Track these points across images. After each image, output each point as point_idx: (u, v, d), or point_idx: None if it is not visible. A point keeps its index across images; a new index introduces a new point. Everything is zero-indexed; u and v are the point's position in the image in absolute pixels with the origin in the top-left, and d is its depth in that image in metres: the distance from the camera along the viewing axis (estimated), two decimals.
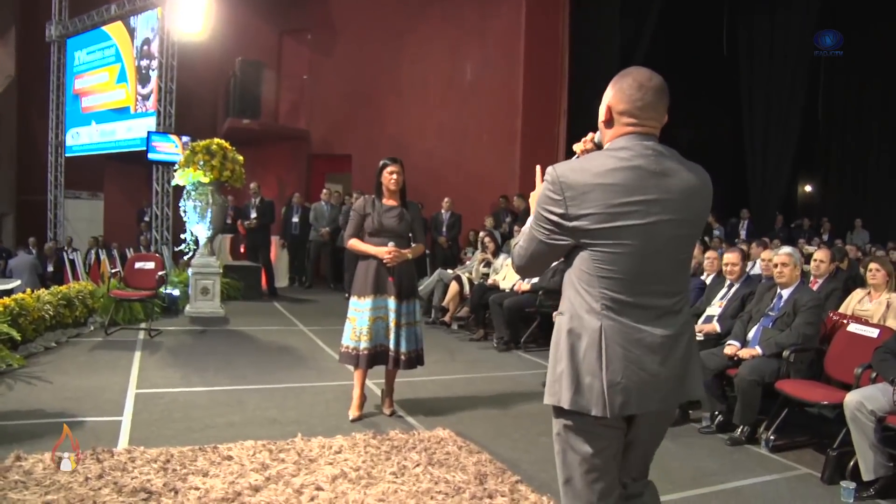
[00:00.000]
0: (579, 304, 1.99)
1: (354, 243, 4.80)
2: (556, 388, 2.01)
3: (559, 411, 2.03)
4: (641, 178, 1.94)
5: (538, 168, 2.20)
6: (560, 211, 1.95)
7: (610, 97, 2.05)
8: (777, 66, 15.51)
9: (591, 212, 1.91)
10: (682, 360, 2.02)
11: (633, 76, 2.01)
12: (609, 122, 2.06)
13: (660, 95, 2.01)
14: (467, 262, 10.20)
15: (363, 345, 4.64)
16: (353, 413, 4.78)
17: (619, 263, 1.94)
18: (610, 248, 1.93)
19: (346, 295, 11.00)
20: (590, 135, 2.19)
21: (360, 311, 4.69)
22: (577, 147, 2.23)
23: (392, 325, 4.67)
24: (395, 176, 4.76)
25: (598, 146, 2.14)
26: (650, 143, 2.00)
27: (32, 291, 6.84)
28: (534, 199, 2.10)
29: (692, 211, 2.02)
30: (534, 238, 2.04)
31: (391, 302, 4.67)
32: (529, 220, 2.10)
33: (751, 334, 5.04)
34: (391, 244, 4.64)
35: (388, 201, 4.80)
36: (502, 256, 9.03)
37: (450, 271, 9.48)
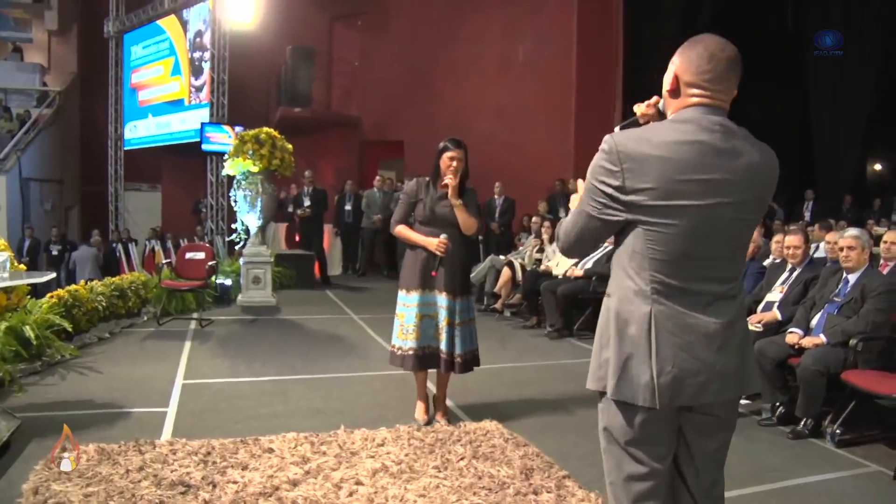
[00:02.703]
0: (628, 287, 1.84)
1: (402, 230, 4.33)
2: (600, 374, 1.88)
3: (603, 400, 1.90)
4: (705, 154, 1.77)
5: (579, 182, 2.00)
6: (616, 183, 1.78)
7: (677, 65, 1.88)
8: (848, 40, 14.77)
9: (649, 186, 1.75)
10: (738, 349, 1.85)
11: (705, 44, 1.84)
12: (675, 92, 1.89)
13: (731, 67, 1.84)
14: (520, 248, 10.00)
15: (409, 344, 4.22)
16: (420, 416, 4.44)
17: (673, 244, 1.78)
18: (664, 228, 1.77)
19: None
20: (654, 98, 2.00)
21: (407, 306, 4.27)
22: (637, 109, 2.05)
23: (444, 324, 4.21)
24: (454, 163, 4.18)
25: (661, 114, 1.97)
26: (718, 118, 1.82)
27: (87, 283, 6.93)
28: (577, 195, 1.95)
29: (755, 194, 1.85)
30: (583, 213, 1.88)
31: (442, 298, 4.22)
32: (574, 198, 1.95)
33: (814, 321, 4.73)
34: (443, 236, 4.20)
35: (444, 188, 4.31)
36: (556, 242, 8.81)
37: (502, 257, 9.31)
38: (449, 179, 4.16)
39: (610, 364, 1.84)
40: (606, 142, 1.81)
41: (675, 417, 1.86)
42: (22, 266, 4.29)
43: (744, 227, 1.87)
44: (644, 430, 1.84)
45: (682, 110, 1.86)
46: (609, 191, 1.79)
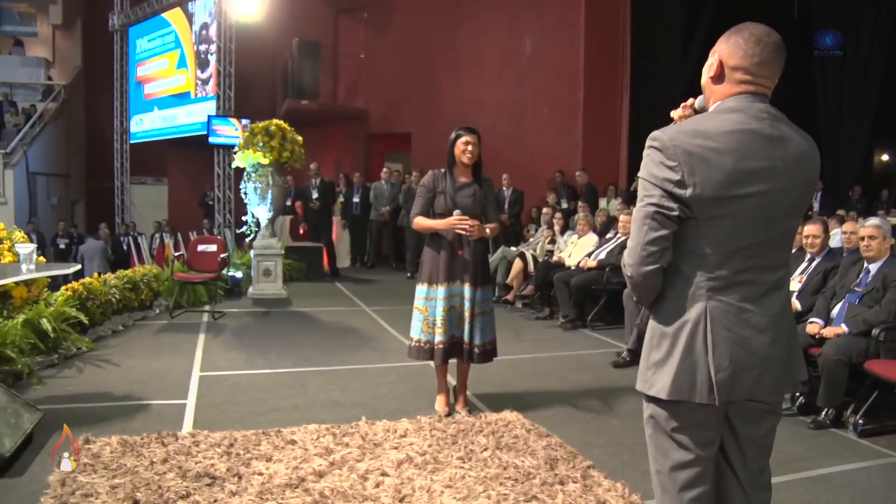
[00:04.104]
0: (682, 285, 1.81)
1: (421, 220, 4.28)
2: (648, 376, 1.85)
3: (653, 399, 1.86)
4: (757, 143, 1.75)
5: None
6: (675, 177, 1.73)
7: (721, 50, 1.86)
8: (853, 29, 14.69)
9: (707, 178, 1.72)
10: (787, 340, 1.84)
11: (751, 30, 1.82)
12: (719, 78, 1.86)
13: (778, 52, 1.82)
14: (530, 239, 9.98)
15: (438, 338, 4.20)
16: (441, 408, 4.40)
17: (730, 235, 1.76)
18: (721, 220, 1.75)
19: (408, 274, 11.09)
20: (689, 100, 1.98)
21: (432, 299, 4.23)
22: (674, 114, 2.02)
23: (467, 314, 4.22)
24: (469, 147, 4.22)
25: (698, 111, 1.94)
26: (764, 105, 1.81)
27: (100, 276, 6.93)
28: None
29: (803, 179, 1.84)
30: (645, 221, 1.78)
31: (466, 289, 4.21)
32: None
33: (835, 311, 4.70)
34: (457, 212, 4.16)
35: (461, 177, 4.31)
36: (567, 233, 8.80)
37: (513, 249, 9.29)
38: (468, 229, 4.13)
39: (664, 363, 1.81)
40: (658, 139, 1.77)
41: (723, 406, 1.83)
42: (42, 258, 4.28)
43: (794, 213, 1.86)
44: (691, 419, 1.82)
45: (727, 99, 1.83)
46: (669, 186, 1.75)
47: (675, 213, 1.75)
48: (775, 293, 1.83)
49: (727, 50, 1.84)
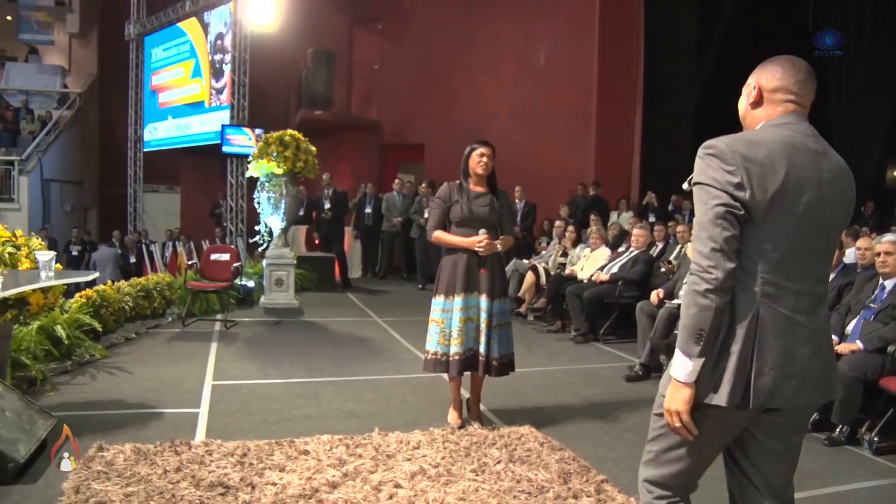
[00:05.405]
0: (736, 289, 1.82)
1: (440, 235, 4.31)
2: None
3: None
4: (806, 155, 1.85)
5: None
6: (735, 180, 1.78)
7: (758, 78, 1.97)
8: (868, 43, 14.65)
9: (762, 183, 1.78)
10: (827, 355, 1.90)
11: (783, 58, 1.96)
12: (758, 104, 1.96)
13: (811, 74, 1.95)
14: (542, 252, 9.97)
15: (454, 349, 4.18)
16: (454, 420, 4.40)
17: (782, 241, 1.81)
18: (775, 226, 1.80)
19: (420, 286, 11.10)
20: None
21: (448, 311, 4.23)
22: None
23: (483, 326, 4.20)
24: (485, 159, 4.28)
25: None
26: (808, 123, 1.91)
27: (113, 283, 6.96)
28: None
29: (846, 195, 1.92)
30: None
31: (483, 301, 4.21)
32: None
33: (850, 328, 4.68)
34: (482, 231, 4.20)
35: (476, 188, 4.34)
36: (580, 246, 8.78)
37: (525, 261, 9.28)
38: (480, 247, 4.18)
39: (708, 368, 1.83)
40: (714, 146, 1.82)
41: (749, 417, 1.87)
42: (59, 265, 4.30)
43: (838, 227, 1.94)
44: (718, 425, 1.87)
45: (775, 118, 1.92)
46: (731, 189, 1.78)
47: (742, 213, 1.79)
48: (820, 307, 1.88)
49: (764, 76, 1.94)
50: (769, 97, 1.93)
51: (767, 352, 1.79)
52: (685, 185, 1.94)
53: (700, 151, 1.85)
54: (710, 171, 1.81)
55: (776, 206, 1.78)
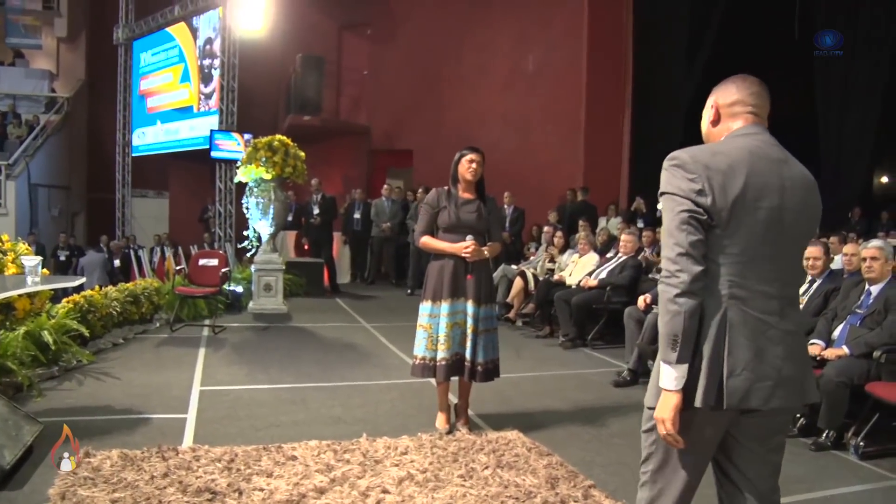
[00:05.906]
0: (704, 292, 1.88)
1: (428, 241, 4.32)
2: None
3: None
4: (767, 162, 1.92)
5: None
6: (697, 187, 1.85)
7: (715, 97, 2.07)
8: (857, 49, 14.74)
9: (723, 189, 1.85)
10: (801, 357, 1.94)
11: (734, 77, 2.05)
12: (717, 121, 2.05)
13: (764, 87, 2.03)
14: (531, 258, 9.99)
15: (441, 354, 4.21)
16: (442, 426, 4.41)
17: (747, 246, 1.87)
18: (738, 231, 1.86)
19: (409, 291, 11.09)
20: None
21: (435, 316, 4.25)
22: None
23: (469, 331, 4.22)
24: (474, 165, 4.28)
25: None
26: (768, 134, 1.98)
27: (101, 288, 6.93)
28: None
29: (809, 203, 1.97)
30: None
31: (469, 306, 4.22)
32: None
33: (836, 333, 4.70)
34: (469, 237, 4.20)
35: (465, 194, 4.34)
36: (568, 252, 8.81)
37: (513, 267, 9.30)
38: (467, 253, 4.19)
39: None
40: (677, 157, 1.89)
41: (728, 420, 1.91)
42: (46, 270, 4.29)
43: (805, 234, 1.98)
44: (699, 428, 1.89)
45: (735, 130, 1.99)
46: (693, 196, 1.85)
47: (705, 218, 1.84)
48: (793, 310, 1.93)
49: (720, 94, 2.05)
50: (727, 112, 2.02)
51: (739, 352, 1.83)
52: (657, 214, 2.01)
53: (665, 163, 1.92)
54: (675, 181, 1.88)
55: (737, 212, 1.84)
